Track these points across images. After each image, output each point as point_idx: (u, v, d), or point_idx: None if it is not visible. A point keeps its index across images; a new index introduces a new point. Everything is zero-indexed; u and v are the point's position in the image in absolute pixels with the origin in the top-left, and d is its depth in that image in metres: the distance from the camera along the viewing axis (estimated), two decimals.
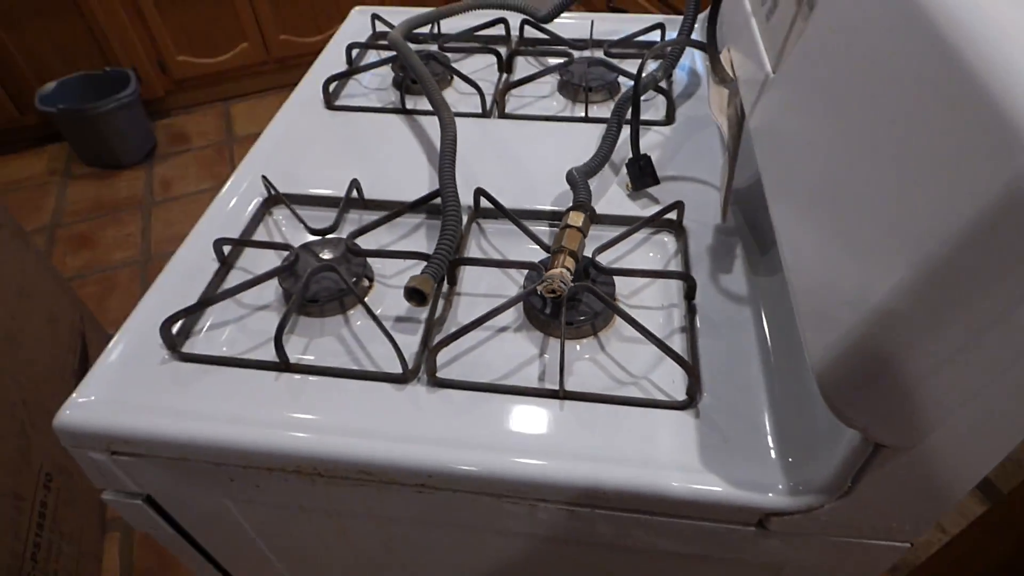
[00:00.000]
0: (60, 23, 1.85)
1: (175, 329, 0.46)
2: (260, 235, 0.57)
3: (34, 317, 1.13)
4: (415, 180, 0.60)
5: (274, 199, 0.59)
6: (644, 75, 0.70)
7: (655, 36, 0.76)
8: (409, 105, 0.69)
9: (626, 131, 0.61)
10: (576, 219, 0.46)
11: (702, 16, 0.74)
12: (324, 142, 0.65)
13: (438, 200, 0.54)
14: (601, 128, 0.65)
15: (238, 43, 2.05)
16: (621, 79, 0.70)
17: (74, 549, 1.07)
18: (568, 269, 0.44)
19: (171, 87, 2.08)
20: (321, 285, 0.49)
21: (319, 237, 0.52)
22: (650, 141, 0.63)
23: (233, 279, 0.53)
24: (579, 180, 0.50)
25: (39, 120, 1.94)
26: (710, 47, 0.46)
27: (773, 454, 0.40)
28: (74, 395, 0.43)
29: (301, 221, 0.53)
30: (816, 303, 0.31)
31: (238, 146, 2.03)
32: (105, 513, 1.18)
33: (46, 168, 2.00)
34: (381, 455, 0.40)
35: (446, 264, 0.47)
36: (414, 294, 0.45)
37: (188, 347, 0.47)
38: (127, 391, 0.44)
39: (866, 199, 0.29)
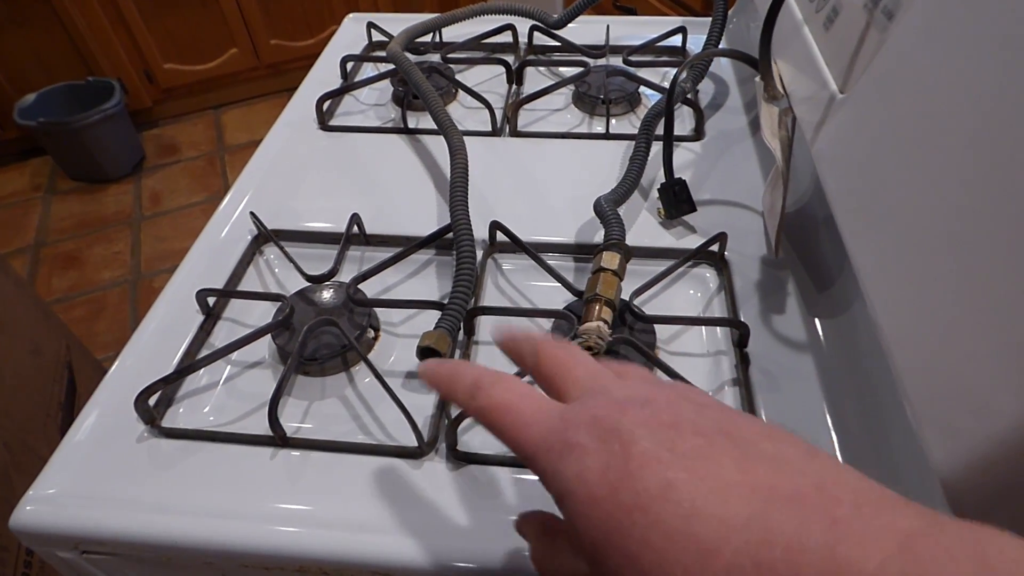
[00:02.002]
0: (39, 31, 1.78)
1: (153, 400, 0.40)
2: (250, 279, 0.51)
3: (14, 350, 1.07)
4: (421, 211, 0.54)
5: (264, 237, 0.52)
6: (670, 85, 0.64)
7: (676, 41, 0.70)
8: (411, 123, 0.63)
9: (655, 149, 0.55)
10: (611, 261, 0.40)
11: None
12: (319, 168, 0.59)
13: (449, 234, 0.48)
14: (625, 145, 0.59)
15: (227, 49, 1.98)
16: (643, 90, 0.64)
17: None
18: (605, 321, 0.38)
19: (158, 96, 2.01)
20: (320, 341, 0.43)
21: (317, 283, 0.46)
22: (679, 159, 0.57)
23: (220, 333, 0.47)
24: (609, 212, 0.44)
25: (19, 134, 1.87)
26: (763, 61, 0.40)
27: None
28: (33, 488, 0.37)
29: (295, 265, 0.46)
30: (935, 393, 0.25)
31: (230, 155, 1.97)
32: None
33: (29, 184, 1.93)
34: (397, 555, 0.34)
35: (463, 316, 0.41)
36: (428, 353, 0.39)
37: (169, 419, 0.41)
38: (97, 480, 0.38)
39: (1005, 259, 0.23)
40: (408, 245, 0.49)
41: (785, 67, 0.44)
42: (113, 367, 0.44)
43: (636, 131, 0.60)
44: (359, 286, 0.46)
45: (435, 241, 0.48)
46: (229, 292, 0.47)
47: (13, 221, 1.82)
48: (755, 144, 0.59)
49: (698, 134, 0.60)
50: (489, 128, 0.61)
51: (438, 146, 0.60)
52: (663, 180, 0.52)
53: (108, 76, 1.87)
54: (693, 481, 0.17)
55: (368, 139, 0.62)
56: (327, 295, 0.45)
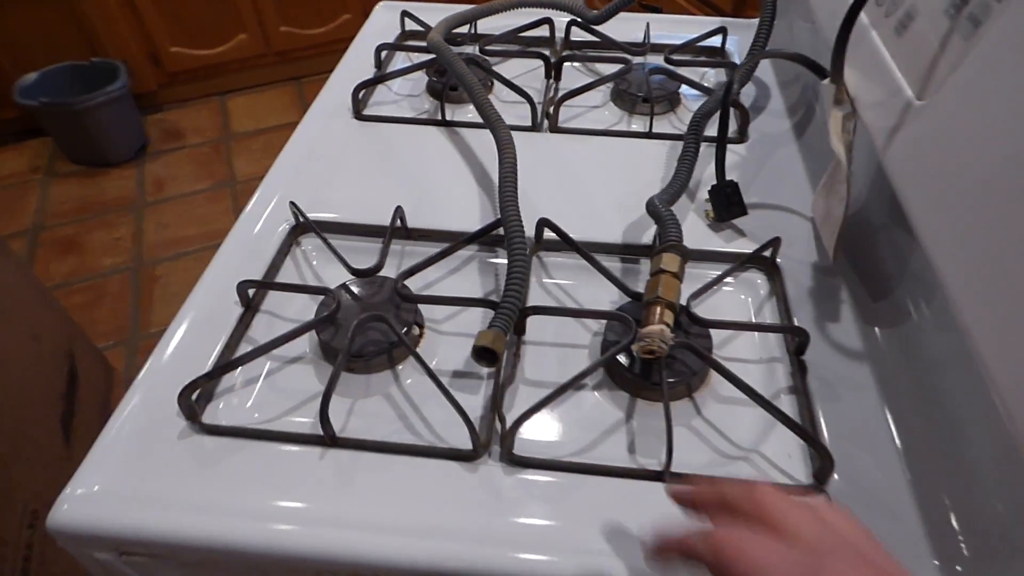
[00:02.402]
0: (43, 8, 1.74)
1: (195, 395, 0.39)
2: (288, 271, 0.49)
3: (15, 336, 1.04)
4: (463, 205, 0.53)
5: (303, 227, 0.51)
6: (711, 85, 0.63)
7: (715, 41, 0.69)
8: (448, 115, 0.61)
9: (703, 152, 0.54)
10: (671, 263, 0.39)
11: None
12: (356, 159, 0.58)
13: (497, 231, 0.47)
14: (668, 145, 0.58)
15: (236, 34, 1.95)
16: (684, 89, 0.63)
17: None
18: (668, 325, 0.37)
19: (164, 80, 1.98)
20: (367, 337, 0.41)
21: (362, 277, 0.45)
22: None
23: (259, 326, 0.45)
24: (665, 212, 0.43)
25: (19, 113, 1.83)
26: (836, 65, 0.39)
27: (935, 559, 0.33)
28: (71, 486, 0.36)
29: (341, 260, 0.45)
30: None
31: (236, 143, 1.94)
32: None
33: (27, 165, 1.90)
34: (455, 562, 0.33)
35: (516, 314, 0.40)
36: (485, 354, 0.37)
37: (210, 415, 0.40)
38: (138, 478, 0.36)
39: None
40: (451, 240, 0.48)
41: (850, 72, 0.43)
42: (150, 360, 0.42)
43: (677, 131, 0.60)
44: (405, 282, 0.44)
45: (482, 237, 0.47)
46: (272, 284, 0.46)
47: (10, 203, 1.78)
48: (799, 148, 0.58)
49: (742, 136, 0.59)
50: (528, 123, 0.60)
51: (477, 140, 0.59)
52: (709, 182, 0.51)
53: (113, 57, 1.83)
54: None
55: (404, 130, 0.61)
56: (373, 290, 0.44)
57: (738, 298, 0.46)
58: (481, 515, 0.35)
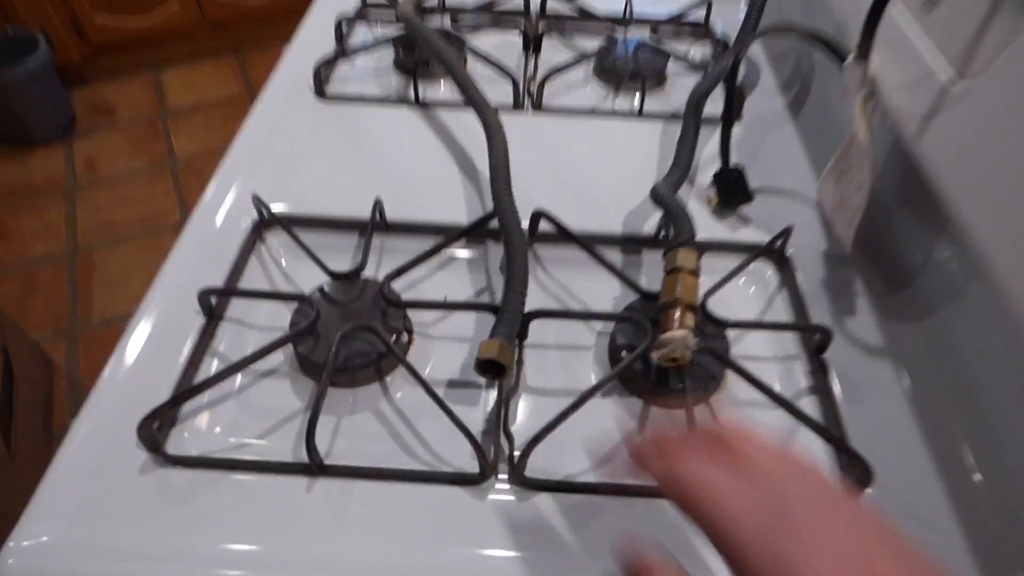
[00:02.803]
0: None
1: (156, 425, 0.34)
2: (254, 272, 0.44)
3: None
4: (445, 195, 0.48)
5: (268, 222, 0.46)
6: (699, 61, 0.59)
7: (699, 14, 0.65)
8: (420, 93, 0.56)
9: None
10: (688, 260, 0.36)
11: None
12: (322, 144, 0.52)
13: (491, 224, 0.42)
14: (659, 126, 0.55)
15: (165, 1, 1.81)
16: (671, 66, 0.60)
17: None
18: (690, 329, 0.34)
19: (88, 52, 1.83)
20: (352, 348, 0.37)
21: (341, 280, 0.40)
22: (717, 143, 0.53)
23: (225, 337, 0.40)
24: (674, 203, 0.40)
25: None
26: (865, 42, 0.36)
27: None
28: (15, 536, 0.30)
29: (317, 261, 0.40)
30: None
31: (174, 120, 1.81)
32: None
33: None
34: None
35: (519, 321, 0.36)
36: (491, 367, 0.34)
37: (176, 443, 0.35)
38: (95, 523, 0.31)
39: None
40: (436, 234, 0.44)
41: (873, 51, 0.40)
42: (102, 380, 0.37)
43: (668, 111, 0.56)
44: (392, 283, 0.40)
45: (474, 232, 0.43)
46: (238, 291, 0.40)
47: None
48: (797, 128, 0.55)
49: (736, 115, 0.56)
50: (510, 102, 0.56)
51: (455, 121, 0.54)
52: (708, 165, 0.48)
53: (30, 27, 1.68)
54: None
55: (373, 111, 0.56)
56: (355, 294, 0.40)
57: (746, 292, 0.44)
58: (494, 548, 0.31)
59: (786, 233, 0.43)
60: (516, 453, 0.33)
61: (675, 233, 0.38)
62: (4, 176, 1.67)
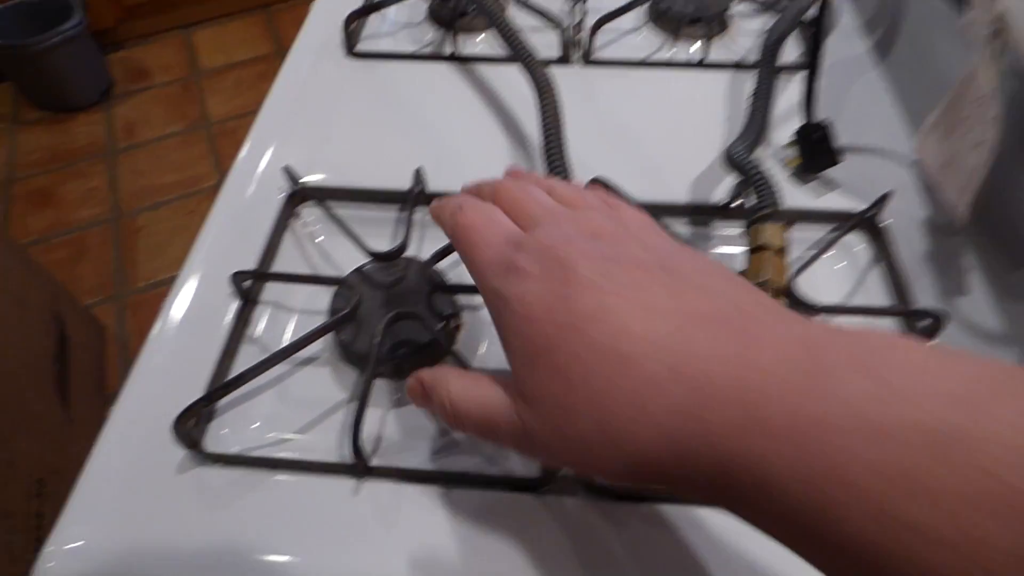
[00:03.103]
0: None
1: (193, 421, 0.32)
2: (288, 251, 0.41)
3: None
4: (489, 161, 0.44)
5: (302, 195, 0.43)
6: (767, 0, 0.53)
7: None
8: (458, 47, 0.52)
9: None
10: (776, 237, 0.31)
11: None
12: (354, 106, 0.49)
13: None
14: (724, 77, 0.49)
15: None
16: (736, 7, 0.54)
17: None
18: None
19: (122, 15, 1.81)
20: (397, 336, 0.34)
21: (384, 261, 0.37)
22: (789, 96, 0.47)
23: (260, 322, 0.38)
24: (752, 168, 0.35)
25: None
26: None
27: None
28: (54, 539, 0.29)
29: (356, 240, 0.37)
30: None
31: (207, 80, 1.80)
32: None
33: None
34: None
35: None
36: None
37: (213, 438, 0.33)
38: (133, 525, 0.30)
39: None
40: None
41: None
42: (133, 372, 0.35)
43: (732, 59, 0.50)
44: (436, 265, 0.37)
45: None
46: (274, 275, 0.38)
47: None
48: (883, 75, 0.49)
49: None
50: (557, 54, 0.51)
51: (497, 78, 0.50)
52: (781, 122, 0.43)
53: None
54: (624, 306, 0.19)
55: (408, 68, 0.51)
56: (397, 275, 0.36)
57: (831, 268, 0.39)
58: (557, 562, 0.28)
59: (884, 199, 0.38)
60: None
61: (758, 203, 0.33)
62: (50, 143, 1.68)
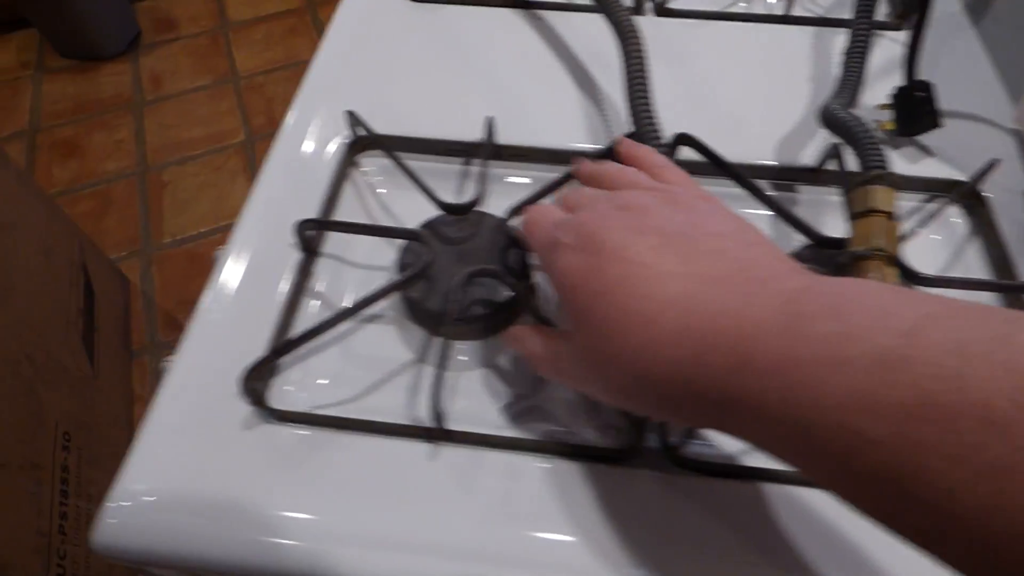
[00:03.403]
0: None
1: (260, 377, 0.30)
2: (348, 202, 0.39)
3: (25, 252, 0.95)
4: (562, 115, 0.42)
5: (363, 143, 0.41)
6: None
7: None
8: None
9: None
10: (886, 200, 0.29)
11: None
12: (415, 55, 0.46)
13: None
14: (809, 32, 0.46)
15: None
16: None
17: None
18: None
19: None
20: (470, 295, 0.32)
21: (457, 214, 0.35)
22: (881, 56, 0.44)
23: (323, 275, 0.36)
24: (856, 126, 0.32)
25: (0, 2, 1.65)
26: None
27: None
28: (115, 494, 0.28)
29: (426, 192, 0.35)
30: None
31: (235, 34, 1.76)
32: None
33: (16, 60, 1.74)
34: None
35: None
36: None
37: (278, 395, 0.31)
38: (200, 480, 0.28)
39: None
40: (554, 161, 0.38)
41: None
42: (195, 323, 0.33)
43: (818, 12, 0.47)
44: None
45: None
46: (342, 225, 0.36)
47: (4, 102, 1.64)
48: (979, 36, 0.46)
49: (901, 20, 0.46)
50: (629, 3, 0.48)
51: (567, 26, 0.47)
52: (874, 81, 0.40)
53: None
54: (645, 273, 0.22)
55: (473, 13, 0.49)
56: (469, 230, 0.34)
57: (926, 239, 0.37)
58: (643, 538, 0.27)
59: (989, 168, 0.35)
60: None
61: (865, 164, 0.31)
62: (76, 92, 1.66)
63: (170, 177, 1.49)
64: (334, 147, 0.40)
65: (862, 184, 0.30)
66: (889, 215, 0.29)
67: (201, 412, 0.30)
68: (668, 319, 0.21)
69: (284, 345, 0.30)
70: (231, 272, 0.35)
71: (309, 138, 0.41)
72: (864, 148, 0.31)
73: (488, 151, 0.37)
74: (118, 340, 1.21)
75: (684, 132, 0.36)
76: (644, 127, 0.33)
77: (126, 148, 1.55)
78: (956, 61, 0.44)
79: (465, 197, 0.35)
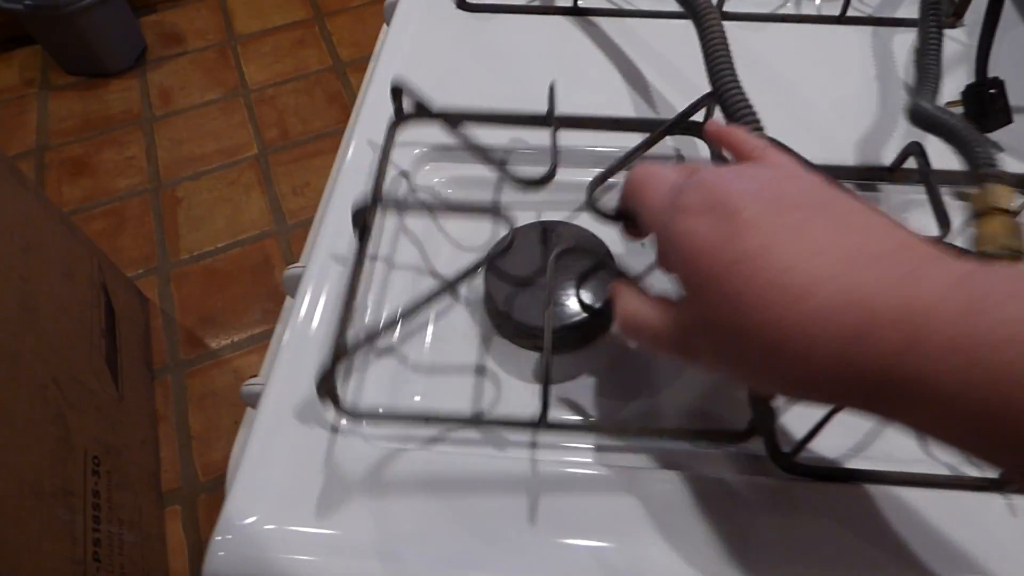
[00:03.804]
0: None
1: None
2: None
3: (47, 275, 0.94)
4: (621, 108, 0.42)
5: (417, 113, 0.40)
6: None
7: None
8: (582, 2, 0.49)
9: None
10: (1004, 196, 0.29)
11: None
12: (469, 64, 0.46)
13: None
14: (866, 33, 0.46)
15: None
16: None
17: (136, 535, 0.95)
18: None
19: None
20: (564, 272, 0.32)
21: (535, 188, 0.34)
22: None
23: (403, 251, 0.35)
24: (957, 121, 0.32)
25: (2, 19, 1.65)
26: None
27: None
28: (222, 525, 0.27)
29: (501, 168, 0.34)
30: None
31: (243, 47, 1.76)
32: (161, 487, 1.06)
33: (19, 78, 1.73)
34: None
35: None
36: None
37: (354, 392, 0.31)
38: (302, 502, 0.28)
39: None
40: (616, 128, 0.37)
41: None
42: (287, 333, 0.33)
43: (871, 13, 0.47)
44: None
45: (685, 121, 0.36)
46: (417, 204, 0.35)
47: (9, 121, 1.63)
48: None
49: (958, 17, 0.46)
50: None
51: (624, 34, 0.47)
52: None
53: None
54: (788, 245, 0.21)
55: (526, 23, 0.48)
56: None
57: None
58: (759, 528, 0.27)
59: None
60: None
61: (972, 164, 0.31)
62: (83, 109, 1.65)
63: (184, 193, 1.49)
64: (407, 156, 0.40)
65: (981, 181, 0.30)
66: (1013, 214, 0.29)
67: (296, 428, 0.30)
68: (823, 295, 0.20)
69: (366, 337, 0.29)
70: (318, 286, 0.35)
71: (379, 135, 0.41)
72: (972, 146, 0.31)
73: (558, 119, 0.36)
74: (140, 360, 1.20)
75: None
76: (737, 106, 0.33)
77: (137, 164, 1.54)
78: (1009, 57, 0.44)
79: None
